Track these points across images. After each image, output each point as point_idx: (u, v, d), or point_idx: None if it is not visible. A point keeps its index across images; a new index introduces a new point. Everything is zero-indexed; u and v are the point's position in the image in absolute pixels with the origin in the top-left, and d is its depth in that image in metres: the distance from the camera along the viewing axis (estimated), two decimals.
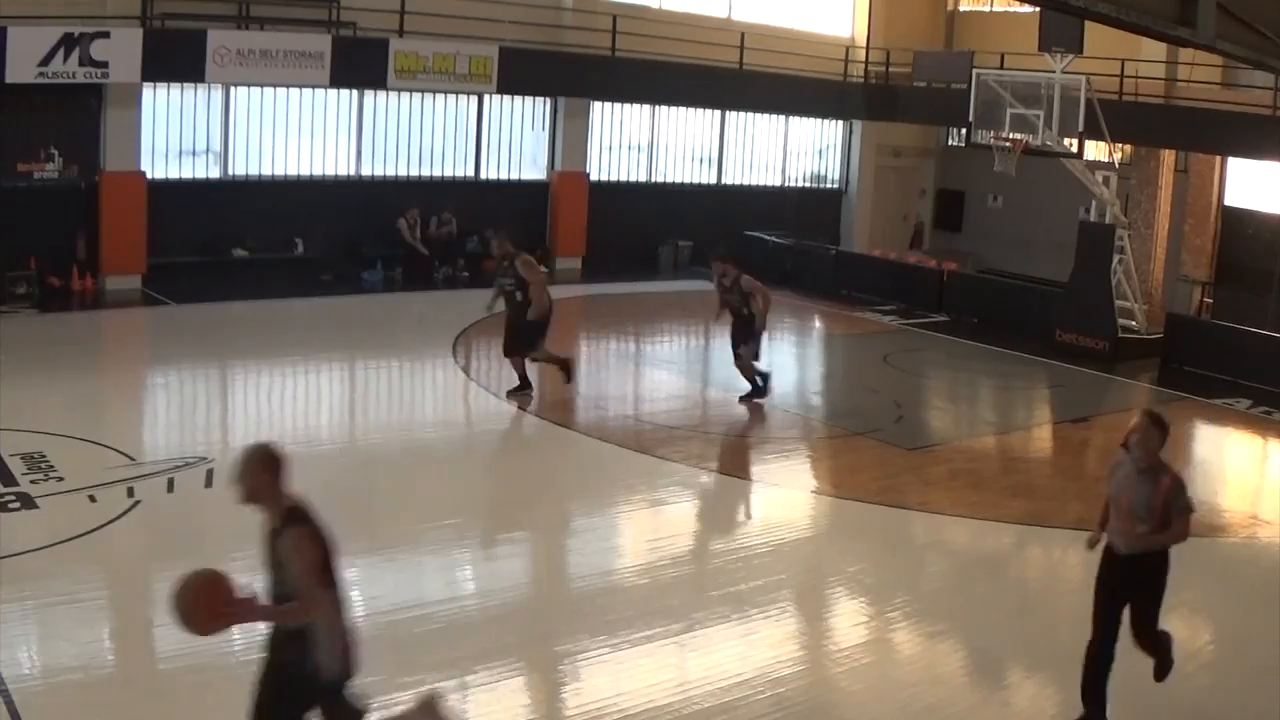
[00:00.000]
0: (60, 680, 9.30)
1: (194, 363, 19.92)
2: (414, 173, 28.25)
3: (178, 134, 25.59)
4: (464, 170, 29.20)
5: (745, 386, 18.39)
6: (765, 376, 18.43)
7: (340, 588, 6.96)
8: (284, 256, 26.41)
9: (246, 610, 6.67)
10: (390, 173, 27.96)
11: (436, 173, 28.66)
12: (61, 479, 13.39)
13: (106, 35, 22.74)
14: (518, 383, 17.77)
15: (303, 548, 6.62)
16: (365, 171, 27.65)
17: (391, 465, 15.34)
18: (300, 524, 6.70)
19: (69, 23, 22.50)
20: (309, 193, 26.66)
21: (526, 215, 29.37)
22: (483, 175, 29.52)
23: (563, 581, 12.29)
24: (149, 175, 24.82)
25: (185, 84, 24.93)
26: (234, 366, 20.10)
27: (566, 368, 17.98)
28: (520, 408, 17.64)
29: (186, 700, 9.06)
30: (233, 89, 25.73)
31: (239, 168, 26.25)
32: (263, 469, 6.73)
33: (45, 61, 22.29)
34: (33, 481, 13.27)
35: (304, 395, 18.76)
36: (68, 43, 22.41)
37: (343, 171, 27.36)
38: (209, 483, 13.49)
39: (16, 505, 12.65)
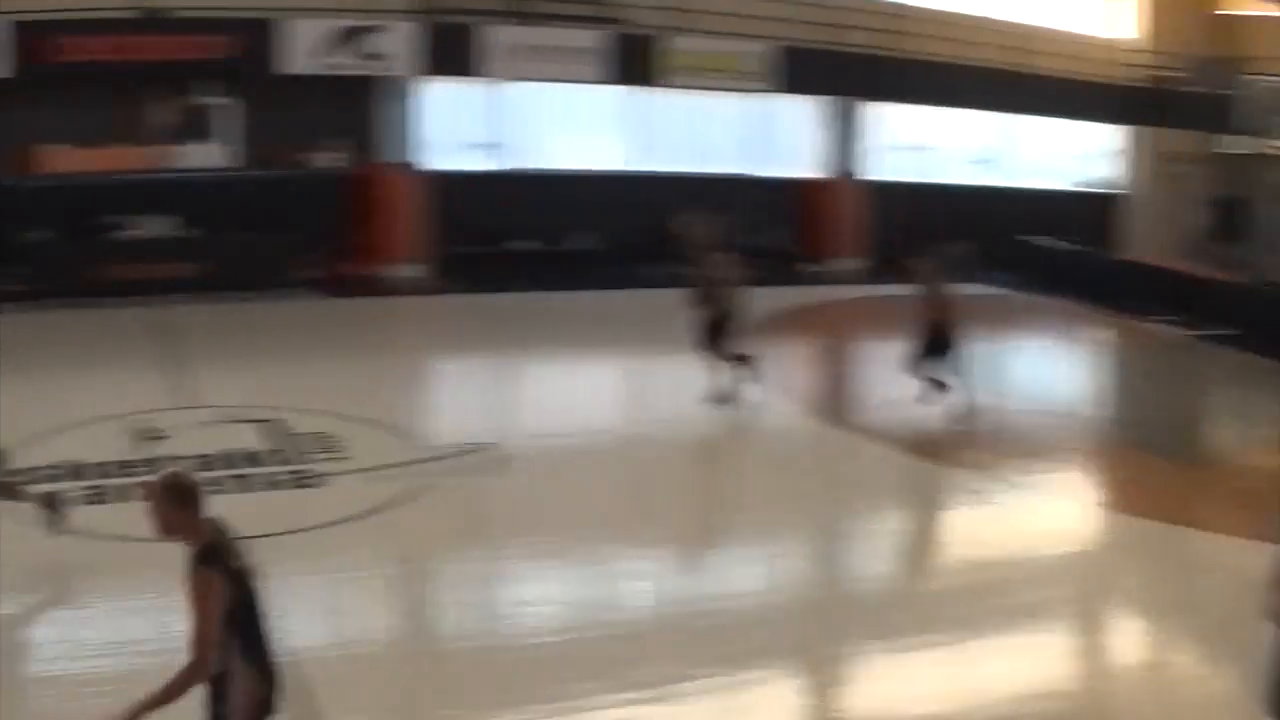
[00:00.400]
0: (347, 653, 9.59)
1: (476, 351, 20.42)
2: (690, 169, 28.33)
3: (458, 127, 26.17)
4: (740, 168, 29.21)
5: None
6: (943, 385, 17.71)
7: (258, 635, 6.19)
8: (563, 249, 26.79)
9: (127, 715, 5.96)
10: (667, 169, 28.07)
11: (713, 170, 28.69)
12: (349, 459, 13.83)
13: (384, 29, 23.49)
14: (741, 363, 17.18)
15: (206, 594, 5.89)
16: (642, 167, 27.85)
17: (669, 460, 15.44)
18: (210, 564, 5.95)
19: (348, 16, 23.29)
20: (587, 187, 27.00)
21: (800, 214, 29.31)
22: (759, 173, 29.48)
23: (842, 583, 12.22)
24: (432, 167, 25.44)
25: (464, 78, 25.44)
26: (516, 356, 20.49)
27: (746, 362, 17.49)
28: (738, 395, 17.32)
29: (466, 679, 9.23)
30: (511, 83, 26.19)
31: (518, 161, 26.72)
32: (168, 501, 6.06)
33: (325, 53, 23.12)
34: (323, 460, 13.76)
35: (584, 386, 18.95)
36: (346, 35, 23.23)
37: (620, 167, 27.63)
38: (494, 469, 13.75)
39: (306, 483, 13.16)
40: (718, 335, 16.71)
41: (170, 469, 6.38)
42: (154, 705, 5.96)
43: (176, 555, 11.27)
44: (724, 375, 16.67)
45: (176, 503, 6.04)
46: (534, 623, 10.32)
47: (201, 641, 5.88)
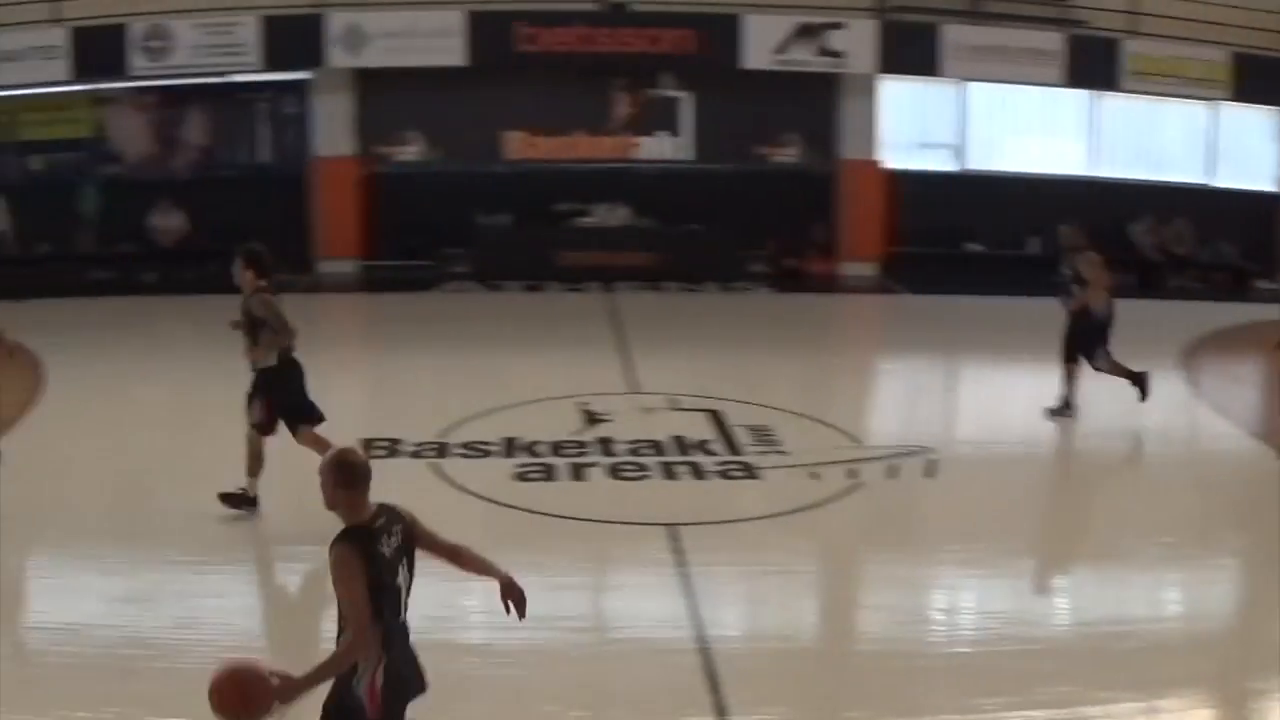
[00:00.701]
0: (760, 646, 9.75)
1: (922, 352, 20.23)
2: (1146, 177, 27.30)
3: (916, 126, 26.01)
4: (1196, 177, 27.94)
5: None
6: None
7: (391, 624, 6.18)
8: (1016, 254, 26.28)
9: (287, 690, 5.90)
10: (1123, 176, 27.14)
11: (1169, 178, 27.57)
12: (785, 453, 13.93)
13: (842, 26, 23.59)
14: (1062, 402, 15.98)
15: (341, 572, 5.99)
16: (1098, 173, 27.02)
17: (1098, 474, 15.04)
18: (347, 543, 6.03)
19: (805, 12, 23.52)
20: (1042, 191, 26.31)
21: (1255, 228, 27.83)
22: (1215, 184, 28.12)
23: (1265, 616, 11.57)
24: (887, 165, 25.37)
25: (921, 77, 25.25)
26: (961, 360, 20.28)
27: (1140, 382, 16.01)
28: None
29: (875, 682, 9.20)
30: (968, 83, 25.85)
31: (975, 162, 26.35)
32: (332, 478, 6.16)
33: (782, 49, 23.42)
34: (758, 453, 13.92)
35: (1024, 395, 18.43)
36: (804, 32, 23.46)
37: (1075, 172, 26.87)
38: (930, 473, 13.57)
39: (740, 474, 13.35)
40: (1085, 343, 16.00)
41: (343, 448, 6.47)
42: (320, 679, 6.04)
43: (612, 538, 11.70)
44: (1075, 384, 15.85)
45: (340, 481, 6.15)
46: (949, 632, 10.25)
47: (354, 616, 5.96)
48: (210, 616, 9.96)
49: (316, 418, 11.90)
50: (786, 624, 10.28)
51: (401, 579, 6.19)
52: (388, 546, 6.13)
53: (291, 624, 10.39)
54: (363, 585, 5.94)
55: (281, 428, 11.92)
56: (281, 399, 11.83)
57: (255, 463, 11.82)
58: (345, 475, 6.14)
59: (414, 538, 6.31)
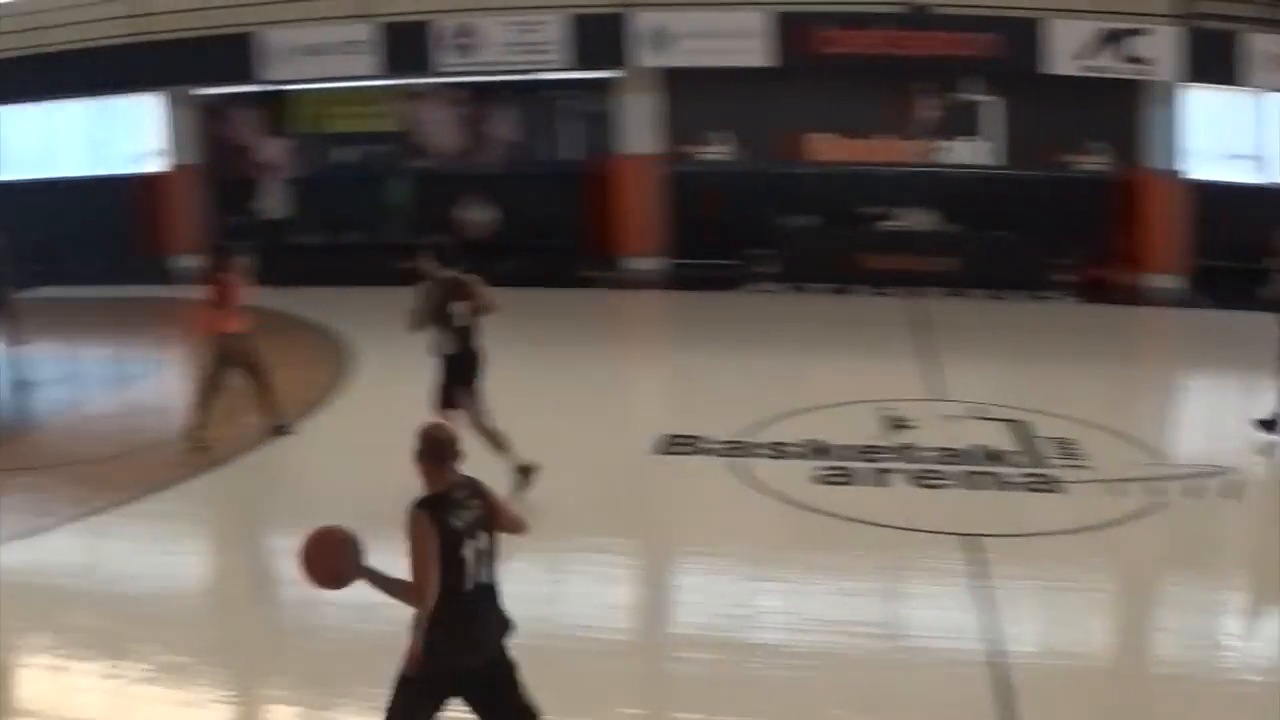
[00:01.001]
0: (1052, 663, 9.67)
1: (1227, 369, 19.72)
2: None
3: (1221, 135, 25.28)
4: None
5: None
6: None
7: (454, 598, 6.55)
8: None
9: (358, 574, 6.60)
10: None
11: None
12: (1089, 468, 13.84)
13: (1147, 33, 23.18)
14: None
15: (411, 531, 6.45)
16: None
17: None
18: (418, 508, 6.52)
19: (1110, 18, 23.26)
20: None
21: None
22: None
23: None
24: (1193, 176, 24.78)
25: (1225, 85, 24.54)
26: (1266, 379, 19.56)
27: (1271, 424, 15.29)
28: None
29: (1173, 710, 9.14)
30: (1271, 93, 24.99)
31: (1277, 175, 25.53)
32: (419, 450, 6.69)
33: (1085, 55, 23.12)
34: (1061, 466, 13.87)
35: None
36: (1108, 38, 23.18)
37: None
38: (1232, 494, 13.23)
39: (1043, 487, 13.33)
40: None
41: (433, 422, 7.21)
42: (383, 590, 6.60)
43: (910, 545, 11.68)
44: None
45: (424, 453, 6.68)
46: (1242, 659, 10.02)
47: (414, 571, 6.43)
48: None
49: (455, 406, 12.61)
50: (1080, 642, 10.23)
51: (470, 551, 6.59)
52: (460, 519, 6.58)
53: (583, 610, 10.74)
54: (432, 546, 6.44)
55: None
56: (454, 379, 12.69)
57: (498, 440, 12.51)
58: (428, 449, 6.70)
59: (493, 512, 6.81)
